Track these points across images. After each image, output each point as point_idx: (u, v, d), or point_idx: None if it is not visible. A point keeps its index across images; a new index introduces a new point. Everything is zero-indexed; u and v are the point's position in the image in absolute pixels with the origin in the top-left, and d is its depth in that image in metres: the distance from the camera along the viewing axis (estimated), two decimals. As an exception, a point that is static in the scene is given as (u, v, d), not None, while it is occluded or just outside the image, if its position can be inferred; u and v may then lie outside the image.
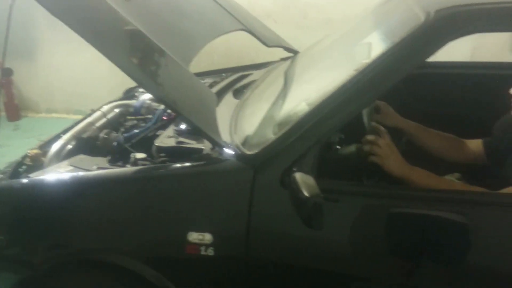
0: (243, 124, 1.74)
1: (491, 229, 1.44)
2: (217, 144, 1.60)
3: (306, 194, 1.27)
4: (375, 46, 1.56)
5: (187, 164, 1.60)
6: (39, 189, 1.72)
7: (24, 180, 1.77)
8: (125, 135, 2.03)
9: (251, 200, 1.49)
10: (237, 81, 2.36)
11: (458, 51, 3.33)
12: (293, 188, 1.33)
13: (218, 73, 2.62)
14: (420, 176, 1.57)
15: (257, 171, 1.49)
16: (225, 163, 1.55)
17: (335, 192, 1.48)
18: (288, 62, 2.28)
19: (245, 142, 1.60)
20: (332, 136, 1.72)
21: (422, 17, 1.43)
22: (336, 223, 1.50)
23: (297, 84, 1.84)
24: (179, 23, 1.92)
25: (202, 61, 3.53)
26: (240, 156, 1.54)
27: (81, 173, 1.72)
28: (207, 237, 1.51)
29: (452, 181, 1.76)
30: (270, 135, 1.53)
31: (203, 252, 1.52)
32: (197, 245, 1.52)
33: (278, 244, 1.53)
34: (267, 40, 2.48)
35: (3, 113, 4.72)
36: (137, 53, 1.63)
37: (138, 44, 1.66)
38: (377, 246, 1.52)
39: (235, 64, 2.85)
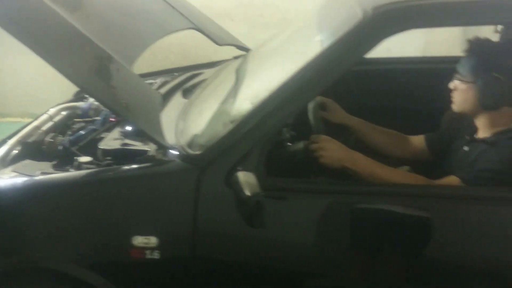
0: (190, 124, 1.72)
1: (437, 221, 1.47)
2: (160, 146, 1.57)
3: (247, 193, 1.27)
4: (316, 44, 1.57)
5: (131, 166, 1.57)
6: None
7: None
8: (71, 138, 1.98)
9: (196, 201, 1.47)
10: (187, 80, 2.33)
11: (411, 45, 3.41)
12: (235, 188, 1.32)
13: (170, 72, 2.59)
14: (365, 166, 1.60)
15: (202, 171, 1.48)
16: (169, 164, 1.54)
17: (282, 190, 1.49)
18: (238, 61, 2.27)
19: (192, 142, 1.58)
20: (284, 133, 1.73)
21: (360, 15, 1.44)
22: (283, 220, 1.50)
23: (244, 83, 1.83)
24: (122, 22, 1.88)
25: (158, 60, 3.50)
26: (184, 157, 1.52)
27: (24, 179, 1.67)
28: (152, 240, 1.49)
29: (399, 171, 1.76)
30: (215, 135, 1.52)
31: (148, 256, 1.50)
32: (142, 249, 1.50)
33: (225, 245, 1.53)
34: (218, 38, 2.45)
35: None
36: (87, 61, 1.59)
37: (86, 52, 1.62)
38: (325, 242, 1.53)
39: (192, 63, 2.82)
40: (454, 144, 1.80)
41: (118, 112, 1.57)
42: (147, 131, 1.54)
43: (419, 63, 2.56)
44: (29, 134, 2.07)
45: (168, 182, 1.52)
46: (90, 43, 1.61)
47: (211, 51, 3.23)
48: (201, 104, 1.89)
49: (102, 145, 1.76)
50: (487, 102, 1.61)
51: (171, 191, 1.51)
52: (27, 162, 1.88)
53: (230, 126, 1.49)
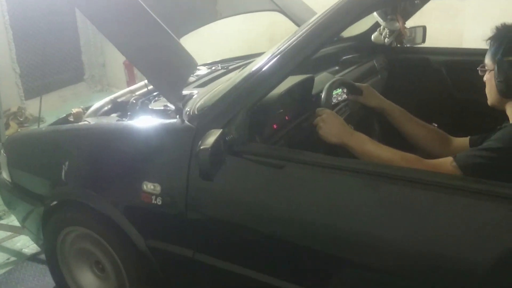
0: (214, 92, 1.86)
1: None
2: (175, 106, 1.75)
3: (201, 145, 1.39)
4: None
5: (151, 121, 1.84)
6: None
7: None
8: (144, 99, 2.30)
9: (190, 157, 1.61)
10: None
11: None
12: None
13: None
14: (357, 142, 1.61)
15: (197, 130, 1.61)
16: (177, 122, 1.71)
17: (254, 154, 1.56)
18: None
19: (201, 107, 1.73)
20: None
21: None
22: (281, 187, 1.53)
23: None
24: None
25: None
26: (189, 117, 1.68)
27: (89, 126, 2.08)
28: (157, 187, 1.67)
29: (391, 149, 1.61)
30: (212, 101, 1.68)
31: (153, 201, 1.68)
32: (150, 194, 1.69)
33: (212, 200, 1.66)
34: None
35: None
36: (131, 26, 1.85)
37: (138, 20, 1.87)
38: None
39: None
40: None
41: (143, 72, 1.79)
42: (165, 93, 1.76)
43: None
44: (122, 95, 2.48)
45: (173, 138, 1.71)
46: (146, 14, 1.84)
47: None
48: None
49: (150, 106, 2.05)
50: (501, 88, 1.47)
51: (175, 146, 1.69)
52: (113, 115, 2.28)
53: (221, 93, 1.64)
